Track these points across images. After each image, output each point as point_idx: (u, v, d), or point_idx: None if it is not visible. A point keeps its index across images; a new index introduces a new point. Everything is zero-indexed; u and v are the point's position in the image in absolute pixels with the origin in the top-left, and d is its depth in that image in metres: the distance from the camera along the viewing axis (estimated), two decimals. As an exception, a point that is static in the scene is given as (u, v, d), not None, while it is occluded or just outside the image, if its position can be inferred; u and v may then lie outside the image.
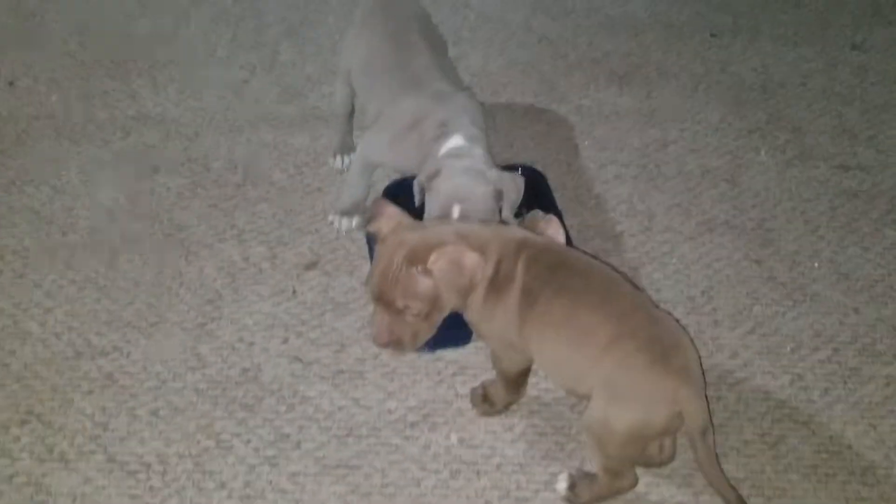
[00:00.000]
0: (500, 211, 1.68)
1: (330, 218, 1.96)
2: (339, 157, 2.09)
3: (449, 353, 1.69)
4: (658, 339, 1.33)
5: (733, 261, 1.93)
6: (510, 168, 1.98)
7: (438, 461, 1.52)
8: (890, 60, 2.52)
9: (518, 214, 1.80)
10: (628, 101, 2.37)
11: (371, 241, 1.89)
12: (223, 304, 1.79)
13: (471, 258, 1.37)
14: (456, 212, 1.62)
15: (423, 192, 1.67)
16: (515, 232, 1.48)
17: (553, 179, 2.05)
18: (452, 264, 1.36)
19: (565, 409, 1.60)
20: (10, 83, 2.35)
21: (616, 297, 1.39)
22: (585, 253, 1.56)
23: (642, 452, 1.41)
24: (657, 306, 1.46)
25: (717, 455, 1.35)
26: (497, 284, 1.41)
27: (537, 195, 1.91)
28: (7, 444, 1.52)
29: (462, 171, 1.64)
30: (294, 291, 1.82)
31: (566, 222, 1.79)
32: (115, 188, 2.05)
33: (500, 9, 2.72)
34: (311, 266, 1.88)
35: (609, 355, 1.33)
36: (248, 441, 1.54)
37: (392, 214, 1.44)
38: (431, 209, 1.66)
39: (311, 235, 1.95)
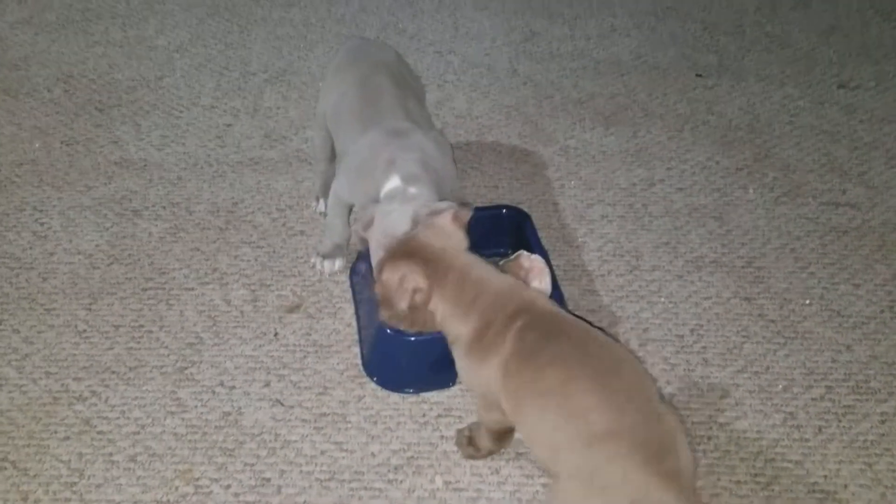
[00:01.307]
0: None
1: (312, 261, 1.94)
2: (320, 201, 2.08)
3: (433, 395, 1.66)
4: (655, 439, 1.25)
5: (722, 299, 1.90)
6: (494, 209, 1.98)
7: (422, 507, 1.48)
8: (878, 98, 2.54)
9: (504, 255, 1.78)
10: (614, 141, 2.37)
11: (354, 283, 1.88)
12: (203, 347, 1.76)
13: (412, 282, 1.35)
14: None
15: (363, 241, 1.66)
16: (519, 293, 1.41)
17: (539, 220, 2.04)
18: (394, 281, 1.36)
19: (553, 451, 1.57)
20: (-4, 130, 2.36)
21: (616, 382, 1.29)
22: (589, 323, 1.47)
23: None
24: (661, 395, 1.39)
25: None
26: (484, 344, 1.36)
27: (523, 236, 1.89)
28: (-22, 493, 1.48)
29: (385, 217, 1.62)
30: (276, 334, 1.79)
31: (552, 262, 1.78)
32: (96, 233, 2.03)
33: (484, 54, 2.75)
34: (293, 309, 1.85)
35: (601, 446, 1.25)
36: (228, 486, 1.50)
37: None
38: (373, 256, 1.64)
39: (293, 278, 1.93)
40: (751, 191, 2.21)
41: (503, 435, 1.52)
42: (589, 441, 1.25)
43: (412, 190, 1.65)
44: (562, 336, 1.34)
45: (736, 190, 2.21)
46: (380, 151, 1.71)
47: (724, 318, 1.85)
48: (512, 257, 1.73)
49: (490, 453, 1.54)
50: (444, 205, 1.65)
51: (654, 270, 1.97)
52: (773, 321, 1.85)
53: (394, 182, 1.66)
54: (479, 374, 1.38)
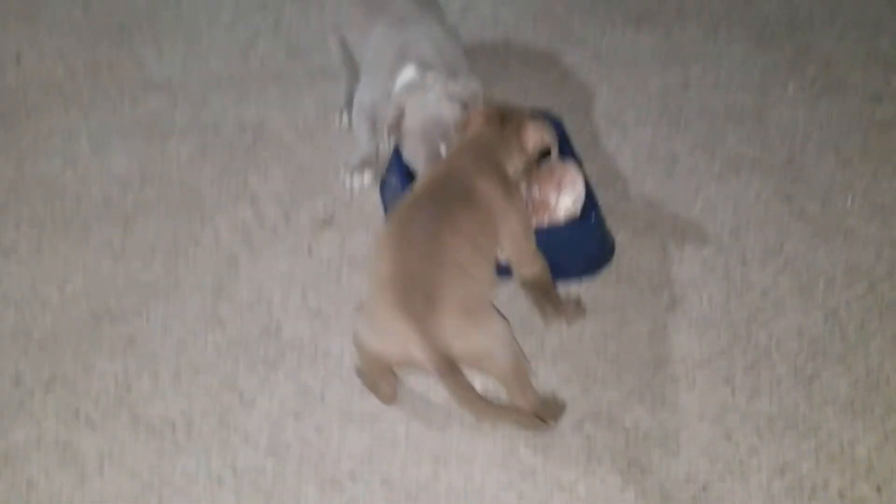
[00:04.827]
0: None
1: (341, 176, 1.92)
2: (344, 114, 2.05)
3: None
4: (416, 290, 1.30)
5: (762, 199, 1.86)
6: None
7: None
8: (921, -13, 2.42)
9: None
10: (647, 42, 2.29)
11: (385, 195, 1.86)
12: (239, 264, 1.77)
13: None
14: (443, 149, 1.59)
15: (392, 136, 1.64)
16: (488, 153, 1.51)
17: (571, 126, 1.98)
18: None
19: (590, 355, 1.57)
20: (18, 58, 2.34)
21: (419, 240, 1.36)
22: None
23: (386, 369, 1.44)
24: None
25: (470, 389, 1.28)
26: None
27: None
28: (33, 407, 1.52)
29: (427, 106, 1.60)
30: (310, 249, 1.79)
31: (585, 168, 1.74)
32: (126, 156, 2.03)
33: (510, -44, 2.65)
34: (325, 224, 1.85)
35: (379, 285, 1.33)
36: (272, 396, 1.53)
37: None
38: (410, 150, 1.63)
39: (323, 194, 1.91)
40: (790, 87, 2.14)
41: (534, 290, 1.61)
42: (377, 281, 1.34)
43: (430, 76, 1.61)
44: (434, 197, 1.42)
45: (775, 87, 2.14)
46: (390, 42, 1.67)
47: (764, 219, 1.82)
48: (544, 164, 1.70)
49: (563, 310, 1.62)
50: (475, 84, 1.63)
51: (691, 173, 1.93)
52: (814, 219, 1.81)
53: (409, 71, 1.63)
54: None
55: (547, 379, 1.53)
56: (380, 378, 1.47)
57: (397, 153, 1.76)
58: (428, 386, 1.52)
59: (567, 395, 1.51)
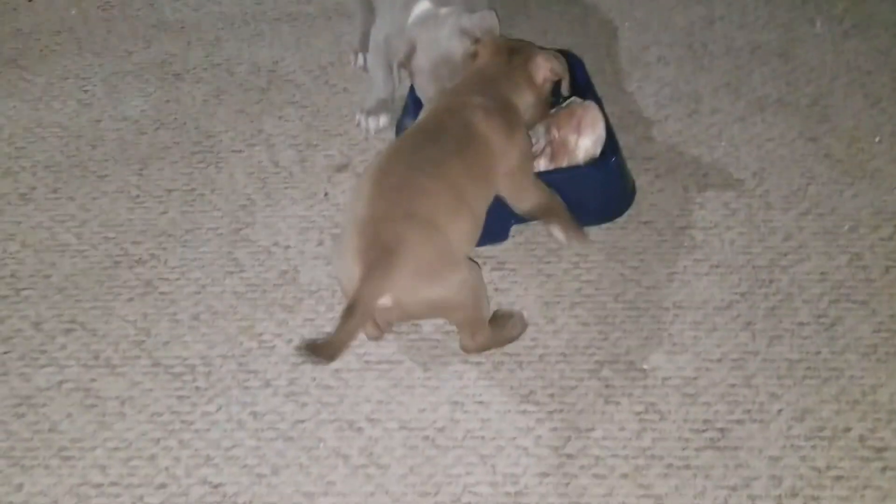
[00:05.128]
0: None
1: (357, 118, 1.90)
2: (359, 55, 2.01)
3: (486, 250, 1.64)
4: (378, 240, 1.31)
5: (787, 140, 1.82)
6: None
7: (481, 355, 1.49)
8: (960, -84, 2.31)
9: (554, 104, 1.71)
10: (670, -23, 2.22)
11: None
12: (256, 209, 1.76)
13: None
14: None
15: (403, 71, 1.62)
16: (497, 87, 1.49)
17: (591, 65, 1.93)
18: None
19: (609, 300, 1.56)
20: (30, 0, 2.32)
21: (397, 185, 1.36)
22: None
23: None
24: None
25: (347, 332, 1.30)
26: None
27: (575, 82, 1.81)
28: (54, 352, 1.53)
29: (437, 41, 1.56)
30: (326, 194, 1.78)
31: (606, 109, 1.70)
32: (140, 99, 2.01)
33: None
34: (341, 168, 1.83)
35: (350, 226, 1.36)
36: (290, 341, 1.53)
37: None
38: (420, 88, 1.61)
39: (339, 137, 1.89)
40: (818, 24, 2.07)
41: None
42: (348, 216, 1.39)
43: (443, 11, 1.58)
44: (428, 135, 1.43)
45: (802, 24, 2.08)
46: None
47: (788, 160, 1.78)
48: (563, 105, 1.66)
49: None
50: (492, 18, 1.59)
51: (715, 113, 1.89)
52: (839, 161, 1.77)
53: (422, 6, 1.59)
54: None
55: (565, 324, 1.53)
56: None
57: (413, 94, 1.73)
58: (445, 333, 1.52)
59: (585, 339, 1.50)
